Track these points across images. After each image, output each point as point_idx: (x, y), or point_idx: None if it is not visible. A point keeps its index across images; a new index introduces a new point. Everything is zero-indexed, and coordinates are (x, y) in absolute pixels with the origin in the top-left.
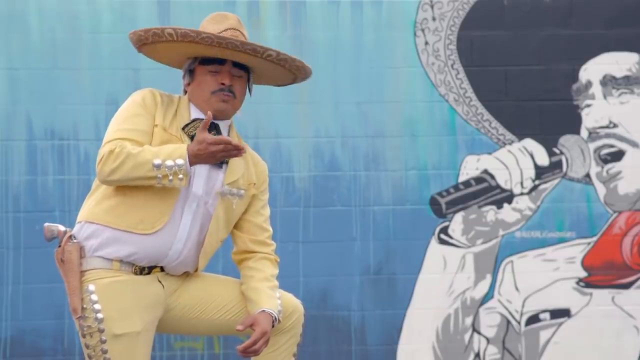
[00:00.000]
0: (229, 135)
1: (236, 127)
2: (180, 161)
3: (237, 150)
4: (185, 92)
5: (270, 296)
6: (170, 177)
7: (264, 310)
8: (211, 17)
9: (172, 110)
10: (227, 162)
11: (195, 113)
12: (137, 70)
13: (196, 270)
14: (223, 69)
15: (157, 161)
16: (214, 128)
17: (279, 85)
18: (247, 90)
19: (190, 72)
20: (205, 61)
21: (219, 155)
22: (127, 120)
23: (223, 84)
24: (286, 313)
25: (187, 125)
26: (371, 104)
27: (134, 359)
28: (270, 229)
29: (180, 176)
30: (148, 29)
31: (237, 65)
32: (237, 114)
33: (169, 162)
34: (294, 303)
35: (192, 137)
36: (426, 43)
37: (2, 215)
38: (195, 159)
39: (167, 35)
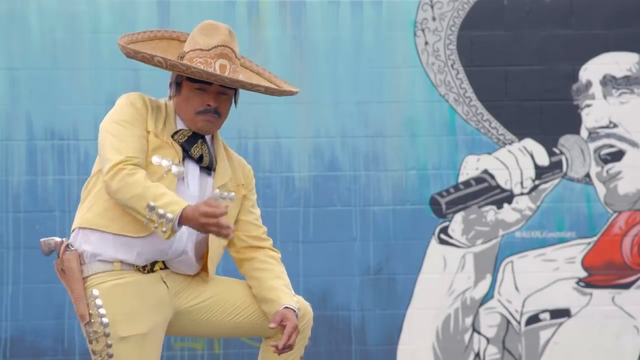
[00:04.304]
0: (213, 142)
1: (236, 128)
2: (169, 215)
3: (227, 231)
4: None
5: (288, 294)
6: (156, 225)
7: (287, 307)
8: (202, 28)
9: (162, 117)
10: (214, 169)
11: (181, 125)
12: (137, 70)
13: (201, 272)
14: (210, 89)
15: (153, 204)
16: (200, 138)
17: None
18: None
19: (177, 85)
20: (193, 78)
21: (207, 229)
22: (126, 130)
23: (209, 105)
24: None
25: (175, 133)
26: (371, 104)
27: None
28: (264, 227)
29: (164, 229)
30: (137, 51)
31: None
32: None
33: (161, 211)
34: (305, 305)
35: (181, 145)
36: (426, 43)
37: (2, 215)
38: (186, 221)
39: (156, 62)
